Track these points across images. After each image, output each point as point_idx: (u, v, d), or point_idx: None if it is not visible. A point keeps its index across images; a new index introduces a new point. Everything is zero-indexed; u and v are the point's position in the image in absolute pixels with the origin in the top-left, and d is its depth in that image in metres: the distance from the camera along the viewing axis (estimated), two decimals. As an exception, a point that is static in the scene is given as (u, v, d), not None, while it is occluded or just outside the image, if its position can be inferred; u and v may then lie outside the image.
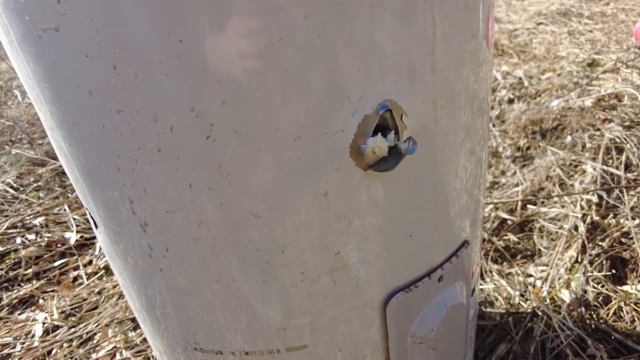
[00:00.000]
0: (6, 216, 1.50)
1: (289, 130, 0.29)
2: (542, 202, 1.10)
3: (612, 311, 0.85)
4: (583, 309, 0.86)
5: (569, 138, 1.25)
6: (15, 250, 1.32)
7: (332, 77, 0.28)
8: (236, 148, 0.29)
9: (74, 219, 1.43)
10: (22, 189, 1.63)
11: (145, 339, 0.98)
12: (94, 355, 0.95)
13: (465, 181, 0.40)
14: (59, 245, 1.34)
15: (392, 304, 0.39)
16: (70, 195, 1.59)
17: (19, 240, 1.36)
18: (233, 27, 0.26)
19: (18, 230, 1.41)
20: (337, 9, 0.26)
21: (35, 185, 1.63)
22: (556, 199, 1.09)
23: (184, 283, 0.37)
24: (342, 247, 0.35)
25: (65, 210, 1.48)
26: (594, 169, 1.12)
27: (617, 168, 1.12)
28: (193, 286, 0.37)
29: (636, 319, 0.82)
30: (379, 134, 0.30)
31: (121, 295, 1.14)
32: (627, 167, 1.13)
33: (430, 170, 0.35)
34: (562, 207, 1.07)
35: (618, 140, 1.19)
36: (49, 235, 1.37)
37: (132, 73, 0.28)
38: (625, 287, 0.89)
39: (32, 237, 1.37)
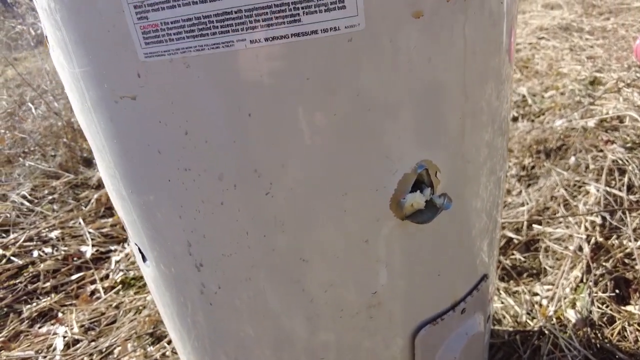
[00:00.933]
0: (22, 229, 1.53)
1: (338, 188, 0.33)
2: (548, 223, 1.14)
3: (616, 331, 0.88)
4: (588, 328, 0.89)
5: (572, 159, 1.29)
6: (33, 264, 1.36)
7: (378, 144, 0.32)
8: (291, 203, 0.33)
9: (89, 232, 1.46)
10: (36, 201, 1.67)
11: (164, 354, 1.01)
12: (114, 370, 0.99)
13: (488, 223, 0.44)
14: (75, 259, 1.38)
15: (421, 335, 0.43)
16: (84, 208, 1.62)
17: (36, 253, 1.40)
18: (296, 104, 0.30)
19: (35, 243, 1.44)
20: (383, 94, 0.30)
21: (49, 197, 1.67)
22: (561, 219, 1.13)
23: (231, 318, 0.41)
24: (379, 287, 0.38)
25: (80, 223, 1.52)
26: (598, 190, 1.16)
27: (619, 190, 1.15)
28: (240, 321, 0.40)
29: (639, 339, 0.86)
30: (418, 190, 0.34)
31: (138, 310, 1.18)
32: (630, 188, 1.17)
33: (459, 219, 0.39)
34: (567, 227, 1.10)
35: (620, 161, 1.23)
36: (65, 248, 1.40)
37: (203, 139, 0.32)
38: (629, 307, 0.92)
39: (48, 250, 1.40)
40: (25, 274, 1.32)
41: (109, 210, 1.61)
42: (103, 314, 1.17)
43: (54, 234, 1.46)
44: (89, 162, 1.87)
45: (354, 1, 0.27)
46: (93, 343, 1.07)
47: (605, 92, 1.70)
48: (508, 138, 0.49)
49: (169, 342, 1.04)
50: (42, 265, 1.32)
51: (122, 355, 1.02)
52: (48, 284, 1.27)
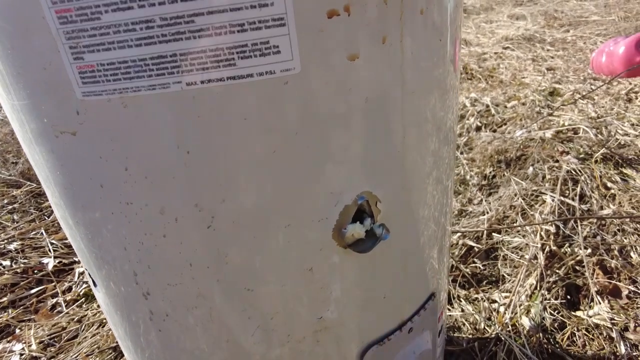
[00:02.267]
0: (-22, 240, 1.47)
1: (281, 220, 0.34)
2: (506, 231, 1.19)
3: (566, 336, 0.93)
4: (541, 334, 0.94)
5: (530, 169, 1.34)
6: (-11, 278, 1.30)
7: (319, 178, 0.33)
8: (233, 235, 0.34)
9: (52, 243, 1.42)
10: (-5, 211, 1.60)
11: (126, 370, 0.99)
12: (74, 388, 0.96)
13: (432, 248, 0.46)
14: (35, 271, 1.33)
15: (368, 356, 0.44)
16: (47, 218, 1.57)
17: (-8, 266, 1.34)
18: (235, 142, 0.31)
19: (-9, 255, 1.38)
20: (321, 133, 0.32)
21: (9, 207, 1.61)
22: (519, 228, 1.18)
23: (181, 343, 0.41)
24: (325, 312, 0.39)
25: (42, 234, 1.47)
26: (553, 200, 1.22)
27: (572, 199, 1.21)
28: (190, 346, 0.41)
29: (587, 343, 0.91)
30: (358, 221, 0.36)
31: (102, 324, 1.15)
32: (582, 198, 1.23)
33: (401, 247, 0.41)
34: (524, 236, 1.15)
35: (574, 172, 1.29)
36: (25, 261, 1.36)
37: (143, 175, 0.32)
38: (578, 313, 0.97)
39: (6, 263, 1.35)
40: (-20, 289, 1.27)
41: (72, 220, 1.56)
42: (64, 328, 1.13)
43: (13, 245, 1.41)
44: (51, 170, 1.81)
45: (288, 47, 0.28)
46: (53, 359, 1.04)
47: (563, 103, 1.79)
48: (454, 157, 0.51)
49: (132, 358, 1.02)
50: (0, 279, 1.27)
51: (83, 372, 1.00)
52: (5, 299, 1.23)
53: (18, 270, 1.32)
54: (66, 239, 1.47)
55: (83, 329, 1.13)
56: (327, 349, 0.42)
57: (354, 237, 0.36)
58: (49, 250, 1.39)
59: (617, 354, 0.86)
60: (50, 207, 1.62)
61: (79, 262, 1.38)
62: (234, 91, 0.29)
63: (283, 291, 0.37)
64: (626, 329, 0.91)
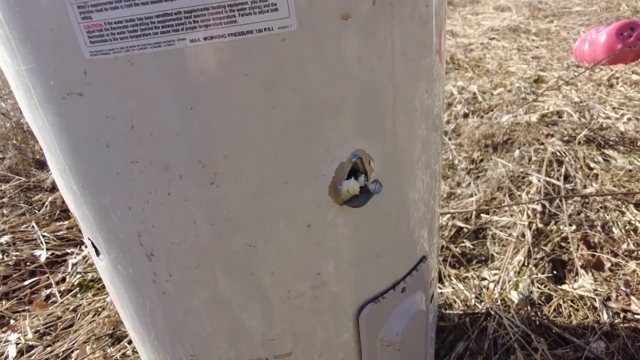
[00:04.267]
0: (-32, 235, 1.45)
1: (280, 177, 0.36)
2: (494, 212, 1.22)
3: (552, 308, 0.96)
4: (529, 307, 0.97)
5: (517, 152, 1.38)
6: (-19, 270, 1.29)
7: (316, 135, 0.35)
8: (235, 192, 0.36)
9: (43, 235, 1.41)
10: (-16, 206, 1.59)
11: (124, 354, 1.00)
12: (72, 373, 0.97)
13: (424, 209, 0.48)
14: (28, 263, 1.33)
15: (364, 314, 0.46)
16: (37, 212, 1.56)
17: (-16, 259, 1.33)
18: (235, 98, 0.32)
19: (-17, 249, 1.37)
20: (316, 89, 0.34)
21: (-1, 201, 1.59)
22: (506, 208, 1.21)
23: (184, 303, 0.42)
24: (322, 268, 0.41)
25: (33, 227, 1.46)
26: (539, 180, 1.25)
27: (557, 179, 1.25)
28: (192, 305, 0.42)
29: (572, 314, 0.94)
30: (352, 177, 0.38)
31: (97, 312, 1.15)
32: (566, 178, 1.27)
33: (393, 204, 0.43)
34: (511, 215, 1.19)
35: (558, 154, 1.33)
36: (17, 253, 1.35)
37: (148, 132, 0.33)
38: (564, 286, 1.01)
39: (-2, 256, 1.34)
40: (-28, 282, 1.26)
41: (65, 213, 1.56)
42: (59, 318, 1.14)
43: (4, 238, 1.40)
44: (41, 164, 1.80)
45: (285, 4, 0.30)
46: (49, 348, 1.04)
47: (547, 89, 1.83)
48: (442, 132, 0.53)
49: (130, 342, 1.03)
50: (-9, 271, 1.26)
51: (81, 357, 1.00)
52: (-1, 290, 1.22)
53: (10, 263, 1.32)
54: (58, 231, 1.46)
55: (79, 318, 1.13)
56: (325, 305, 0.44)
57: (349, 193, 0.38)
58: (41, 242, 1.39)
59: (600, 321, 0.90)
60: (40, 200, 1.61)
61: (71, 254, 1.38)
62: (234, 47, 0.30)
63: (283, 247, 0.39)
64: (609, 298, 0.95)
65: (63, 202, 1.60)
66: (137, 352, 1.00)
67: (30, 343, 1.06)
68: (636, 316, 0.90)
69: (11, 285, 1.25)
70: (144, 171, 0.35)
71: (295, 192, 0.37)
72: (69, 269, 1.30)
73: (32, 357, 1.02)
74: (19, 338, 1.07)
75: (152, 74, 0.31)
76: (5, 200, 1.60)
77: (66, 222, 1.50)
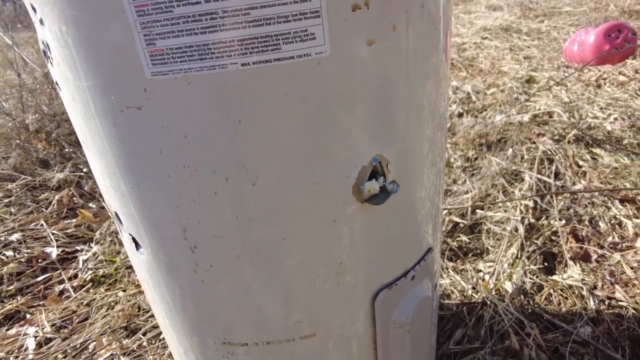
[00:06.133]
0: (-22, 233, 1.49)
1: (312, 179, 0.41)
2: (489, 208, 1.29)
3: (544, 297, 1.03)
4: (522, 296, 1.04)
5: (510, 150, 1.45)
6: (-6, 267, 1.33)
7: (343, 143, 0.41)
8: (273, 191, 0.41)
9: (53, 233, 1.45)
10: (-9, 204, 1.62)
11: (140, 345, 1.05)
12: (92, 363, 1.01)
13: (430, 206, 0.54)
14: (39, 260, 1.37)
15: (379, 299, 0.52)
16: (44, 210, 1.60)
17: (-4, 257, 1.37)
18: (277, 112, 0.38)
19: (-6, 247, 1.41)
20: (345, 105, 0.39)
21: (6, 201, 1.62)
22: (500, 204, 1.28)
23: (222, 291, 0.48)
24: (345, 258, 0.47)
25: (42, 225, 1.50)
26: (531, 178, 1.32)
27: (548, 177, 1.32)
28: (230, 293, 0.48)
29: (562, 302, 1.01)
30: (373, 178, 0.43)
31: (110, 306, 1.20)
32: (557, 175, 1.34)
33: (405, 201, 0.48)
34: (505, 211, 1.25)
35: (549, 152, 1.40)
36: (28, 251, 1.39)
37: (200, 141, 0.39)
38: (554, 277, 1.08)
39: (10, 253, 1.38)
40: (-14, 279, 1.30)
41: (72, 211, 1.60)
42: (74, 312, 1.18)
43: (15, 236, 1.44)
44: (46, 164, 1.83)
45: (322, 34, 0.35)
46: (67, 340, 1.09)
47: (539, 90, 1.90)
48: (446, 132, 0.59)
49: (144, 334, 1.08)
50: (4, 268, 1.30)
51: (98, 349, 1.05)
52: (12, 286, 1.26)
53: (22, 260, 1.35)
54: (67, 228, 1.50)
55: (93, 312, 1.18)
56: (346, 290, 0.50)
57: (370, 192, 0.44)
58: (51, 240, 1.43)
59: (587, 308, 0.97)
60: (47, 199, 1.65)
61: (81, 251, 1.42)
62: (278, 70, 0.36)
63: (311, 239, 0.44)
64: (595, 287, 1.02)
65: (70, 200, 1.64)
66: (152, 343, 1.05)
67: (48, 336, 1.10)
68: (620, 303, 0.97)
69: (25, 281, 1.29)
70: (193, 174, 0.40)
71: (324, 192, 0.42)
72: (80, 265, 1.34)
73: (52, 349, 1.06)
74: (36, 331, 1.12)
75: (206, 92, 0.36)
76: (12, 199, 1.63)
77: (74, 220, 1.54)
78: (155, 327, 1.09)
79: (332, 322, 0.52)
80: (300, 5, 0.34)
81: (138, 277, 0.62)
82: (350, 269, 0.48)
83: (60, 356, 1.05)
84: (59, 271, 1.32)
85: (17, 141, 1.85)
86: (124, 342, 1.07)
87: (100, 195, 1.65)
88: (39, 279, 1.30)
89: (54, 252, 1.38)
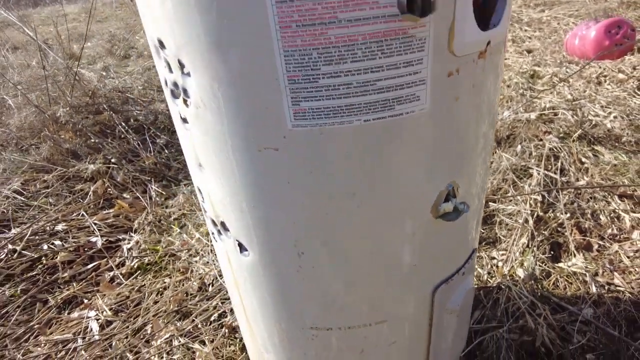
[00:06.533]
0: (21, 223, 1.58)
1: (405, 202, 0.53)
2: (501, 201, 1.42)
3: (551, 282, 1.17)
4: (533, 281, 1.18)
5: (519, 147, 1.57)
6: (45, 256, 1.43)
7: (431, 176, 0.52)
8: (374, 212, 0.52)
9: (95, 223, 1.55)
10: (30, 195, 1.70)
11: (196, 326, 1.17)
12: (153, 343, 1.14)
13: (478, 217, 0.66)
14: (86, 249, 1.47)
15: (438, 291, 0.65)
16: (81, 200, 1.69)
17: (45, 246, 1.47)
18: (389, 153, 0.48)
19: (41, 236, 1.51)
20: (438, 147, 0.50)
21: (44, 192, 1.71)
22: (511, 197, 1.41)
23: (319, 287, 0.60)
24: (417, 261, 0.59)
25: (83, 215, 1.59)
26: (538, 173, 1.45)
27: (554, 173, 1.45)
28: (325, 289, 0.60)
29: (567, 287, 1.16)
30: (448, 200, 0.55)
31: (159, 292, 1.32)
32: (562, 171, 1.47)
33: (465, 217, 0.60)
34: (516, 204, 1.39)
35: (555, 149, 1.52)
36: (75, 240, 1.49)
37: (325, 174, 0.49)
38: (560, 264, 1.22)
39: (58, 242, 1.48)
40: (39, 266, 1.40)
41: (107, 202, 1.69)
42: (127, 297, 1.30)
43: (60, 226, 1.53)
44: (75, 154, 1.90)
45: (425, 96, 0.46)
46: (126, 323, 1.21)
47: (542, 86, 2.01)
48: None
49: (197, 316, 1.20)
50: (58, 257, 1.40)
51: (156, 330, 1.18)
52: (66, 274, 1.37)
53: (70, 249, 1.46)
54: (107, 219, 1.60)
55: (145, 297, 1.30)
56: (415, 286, 0.62)
57: (444, 211, 0.55)
58: (94, 229, 1.53)
59: (590, 292, 1.12)
60: (82, 190, 1.73)
61: (123, 240, 1.52)
62: (391, 123, 0.46)
63: (396, 249, 0.56)
64: (596, 274, 1.17)
65: (104, 191, 1.73)
66: (205, 325, 1.18)
67: (108, 319, 1.22)
68: (618, 288, 1.12)
69: (76, 269, 1.40)
70: (313, 199, 0.51)
71: (411, 212, 0.54)
72: (125, 254, 1.45)
73: (115, 330, 1.18)
74: (97, 315, 1.23)
75: (333, 139, 0.47)
76: (49, 190, 1.72)
77: (111, 211, 1.64)
78: (205, 310, 1.22)
79: (400, 311, 0.64)
80: (413, 77, 0.44)
81: (229, 273, 0.73)
82: (421, 270, 0.60)
83: (121, 337, 1.17)
84: (105, 259, 1.43)
85: (47, 133, 1.91)
86: (178, 324, 1.20)
87: (134, 186, 1.74)
88: (89, 266, 1.41)
89: (98, 241, 1.48)
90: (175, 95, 0.55)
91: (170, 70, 0.53)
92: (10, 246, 1.43)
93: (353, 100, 0.45)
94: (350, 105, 0.45)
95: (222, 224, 0.64)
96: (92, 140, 1.97)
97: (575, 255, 1.22)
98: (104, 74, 3.09)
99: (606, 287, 1.13)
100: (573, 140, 1.57)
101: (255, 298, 0.69)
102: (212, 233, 0.72)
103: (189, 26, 0.44)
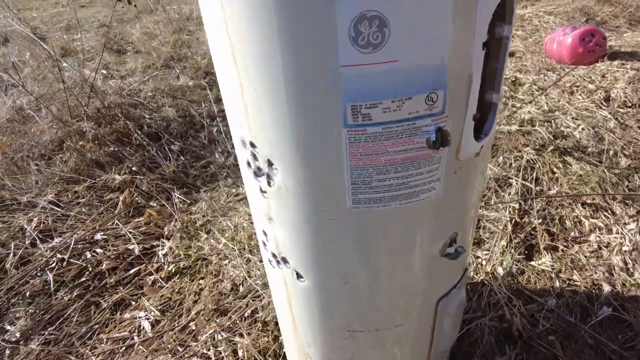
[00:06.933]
0: (62, 233, 1.76)
1: (425, 250, 0.75)
2: (485, 207, 1.66)
3: (525, 278, 1.44)
4: (510, 278, 1.44)
5: (501, 158, 1.81)
6: (91, 263, 1.63)
7: (442, 232, 0.74)
8: (399, 255, 0.75)
9: (130, 232, 1.74)
10: (64, 206, 1.87)
11: (234, 322, 1.40)
12: (200, 338, 1.37)
13: (469, 249, 0.90)
14: (125, 256, 1.67)
15: (441, 303, 0.89)
16: (112, 209, 1.87)
17: (88, 254, 1.66)
18: (408, 226, 0.71)
19: (83, 245, 1.69)
20: (445, 214, 0.73)
21: (75, 202, 1.88)
22: (494, 205, 1.66)
23: (358, 303, 0.83)
24: (428, 286, 0.82)
25: (117, 224, 1.78)
26: (517, 183, 1.70)
27: (530, 182, 1.70)
28: (364, 304, 0.83)
29: (537, 282, 1.42)
30: (452, 245, 0.78)
31: (196, 293, 1.54)
32: (537, 180, 1.73)
33: (462, 254, 0.84)
34: (497, 211, 1.64)
35: (531, 161, 1.77)
36: (114, 248, 1.68)
37: (370, 233, 0.72)
38: (532, 263, 1.48)
39: (99, 250, 1.67)
40: (86, 273, 1.60)
41: (137, 210, 1.88)
42: (170, 298, 1.51)
43: (99, 235, 1.72)
44: (98, 164, 2.06)
45: (440, 186, 0.68)
46: (173, 322, 1.43)
47: (524, 95, 2.24)
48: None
49: (233, 313, 1.43)
50: (103, 264, 1.60)
51: (201, 327, 1.40)
52: (112, 279, 1.57)
53: (111, 257, 1.65)
54: (139, 227, 1.79)
55: (185, 298, 1.52)
56: (425, 301, 0.86)
57: (448, 252, 0.78)
58: (130, 238, 1.72)
59: (554, 287, 1.39)
60: (111, 199, 1.91)
61: (157, 246, 1.72)
62: (415, 205, 0.68)
63: (418, 276, 0.79)
64: (560, 271, 1.44)
65: (132, 200, 1.91)
66: (242, 321, 1.41)
67: (157, 318, 1.44)
68: (576, 283, 1.39)
69: (120, 274, 1.60)
70: (359, 250, 0.73)
71: (426, 254, 0.77)
72: (161, 259, 1.66)
73: (164, 328, 1.40)
74: (146, 315, 1.45)
75: (377, 215, 0.69)
76: (82, 200, 1.89)
77: (142, 219, 1.83)
78: (240, 308, 1.45)
79: (413, 317, 0.88)
80: (432, 177, 0.66)
81: (282, 291, 0.95)
82: (430, 290, 0.84)
83: (171, 333, 1.40)
84: (144, 265, 1.64)
85: (70, 144, 2.06)
86: (218, 320, 1.43)
87: (158, 194, 1.93)
88: (131, 272, 1.61)
89: (136, 248, 1.68)
90: (257, 175, 0.75)
91: (256, 159, 0.73)
92: (58, 255, 1.62)
93: (392, 194, 0.66)
94: (390, 196, 0.66)
95: (283, 258, 0.85)
96: (112, 149, 2.13)
97: (544, 256, 1.49)
98: (105, 72, 3.18)
99: (567, 282, 1.40)
100: (547, 152, 1.82)
101: (304, 311, 0.92)
102: (270, 261, 0.94)
103: (285, 145, 0.64)
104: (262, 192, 0.76)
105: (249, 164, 0.76)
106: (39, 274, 1.58)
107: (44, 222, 1.76)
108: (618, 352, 1.19)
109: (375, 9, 0.47)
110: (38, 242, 1.68)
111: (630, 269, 1.39)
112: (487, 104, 0.71)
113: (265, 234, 0.87)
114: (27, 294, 1.49)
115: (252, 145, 0.70)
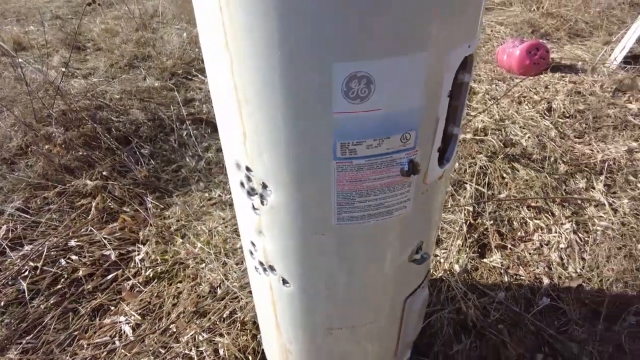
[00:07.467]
0: (33, 240, 1.74)
1: (392, 257, 0.87)
2: (443, 210, 1.83)
3: (479, 274, 1.62)
4: (465, 274, 1.62)
5: (457, 164, 1.99)
6: (66, 270, 1.63)
7: (408, 241, 0.87)
8: (376, 263, 0.87)
9: (105, 237, 1.76)
10: (34, 212, 1.84)
11: (214, 323, 1.48)
12: (182, 339, 1.43)
13: (431, 257, 1.04)
14: (101, 262, 1.69)
15: (408, 300, 1.02)
16: (85, 215, 1.87)
17: (63, 261, 1.66)
18: (381, 238, 0.83)
19: (57, 252, 1.69)
20: (412, 226, 0.85)
21: (46, 208, 1.86)
22: (451, 207, 1.83)
23: (338, 304, 0.94)
24: (398, 286, 0.95)
25: (91, 230, 1.78)
26: (471, 187, 1.88)
27: (483, 187, 1.89)
28: (343, 305, 0.94)
29: (489, 277, 1.61)
30: (418, 252, 0.91)
31: (175, 296, 1.59)
32: (489, 185, 1.92)
33: (427, 259, 0.97)
34: (453, 213, 1.81)
35: (484, 167, 1.96)
36: (90, 254, 1.69)
37: (353, 248, 0.83)
38: (485, 260, 1.67)
39: (74, 257, 1.68)
40: (61, 280, 1.61)
41: (110, 216, 1.89)
42: (149, 302, 1.56)
43: (73, 242, 1.72)
44: (70, 170, 2.04)
45: (410, 204, 0.80)
46: (154, 325, 1.48)
47: (477, 104, 2.45)
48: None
49: (212, 315, 1.50)
50: (80, 271, 1.61)
51: (182, 329, 1.47)
52: (90, 285, 1.59)
53: (87, 263, 1.67)
54: (114, 232, 1.81)
55: (165, 301, 1.57)
56: (394, 298, 0.98)
57: (415, 258, 0.91)
58: (105, 244, 1.74)
59: (503, 281, 1.58)
60: (83, 205, 1.90)
61: (132, 251, 1.75)
62: (389, 220, 0.80)
63: (389, 278, 0.92)
64: (508, 267, 1.63)
65: (104, 205, 1.92)
66: (222, 322, 1.49)
67: (137, 322, 1.49)
68: (522, 277, 1.59)
69: (97, 280, 1.62)
70: (339, 259, 0.84)
71: (397, 260, 0.89)
72: (138, 264, 1.69)
73: (145, 331, 1.45)
74: (127, 319, 1.49)
75: (358, 229, 0.80)
76: (52, 207, 1.87)
77: (116, 224, 1.84)
78: (220, 309, 1.52)
79: (384, 314, 1.01)
80: (404, 198, 0.78)
81: (267, 295, 1.05)
82: (399, 290, 0.97)
83: (153, 336, 1.45)
84: (121, 270, 1.66)
85: (37, 148, 2.02)
86: (198, 322, 1.49)
87: (131, 199, 1.94)
88: (108, 277, 1.63)
89: (112, 254, 1.70)
90: (251, 194, 0.84)
91: (250, 180, 0.82)
92: (31, 263, 1.61)
93: (371, 212, 0.78)
94: (369, 214, 0.78)
95: (271, 266, 0.95)
96: (81, 153, 2.11)
97: (495, 253, 1.68)
98: (64, 70, 3.09)
99: (514, 277, 1.60)
100: (498, 159, 2.02)
101: (288, 313, 1.02)
102: (257, 268, 1.03)
103: (281, 173, 0.73)
104: (255, 209, 0.85)
105: (242, 184, 0.85)
106: (10, 282, 1.57)
107: (12, 230, 1.73)
108: (554, 336, 1.39)
109: (364, 70, 0.57)
110: (8, 250, 1.66)
111: (565, 264, 1.61)
112: (449, 135, 0.84)
113: (253, 244, 0.96)
114: (1, 303, 1.48)
115: (248, 169, 0.79)
